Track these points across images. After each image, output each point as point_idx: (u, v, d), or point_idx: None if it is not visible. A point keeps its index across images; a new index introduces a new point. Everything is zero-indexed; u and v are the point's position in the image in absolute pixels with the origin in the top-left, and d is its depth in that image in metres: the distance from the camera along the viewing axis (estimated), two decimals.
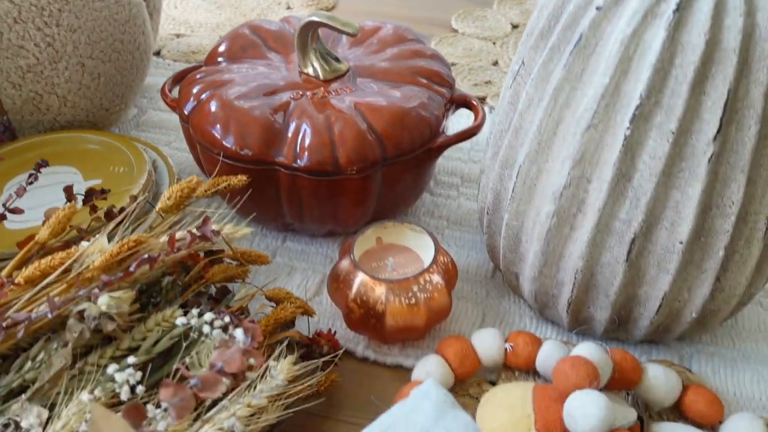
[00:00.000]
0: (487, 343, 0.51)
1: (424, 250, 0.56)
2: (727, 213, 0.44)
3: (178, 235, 0.49)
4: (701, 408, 0.47)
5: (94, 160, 0.68)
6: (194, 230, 0.49)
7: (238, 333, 0.41)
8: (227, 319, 0.43)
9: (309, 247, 0.66)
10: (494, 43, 0.98)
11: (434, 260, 0.54)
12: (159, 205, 0.51)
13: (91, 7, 0.66)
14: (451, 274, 0.55)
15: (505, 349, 0.51)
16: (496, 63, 0.94)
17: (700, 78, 0.42)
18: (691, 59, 0.41)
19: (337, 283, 0.54)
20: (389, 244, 0.58)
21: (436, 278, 0.53)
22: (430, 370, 0.50)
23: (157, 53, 0.97)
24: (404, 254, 0.57)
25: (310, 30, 0.64)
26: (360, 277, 0.53)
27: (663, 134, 0.43)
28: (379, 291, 0.52)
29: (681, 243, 0.45)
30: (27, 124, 0.69)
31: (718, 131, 0.42)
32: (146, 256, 0.47)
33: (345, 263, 0.55)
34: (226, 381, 0.39)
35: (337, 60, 0.66)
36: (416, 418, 0.37)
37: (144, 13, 0.74)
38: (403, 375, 0.54)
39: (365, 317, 0.53)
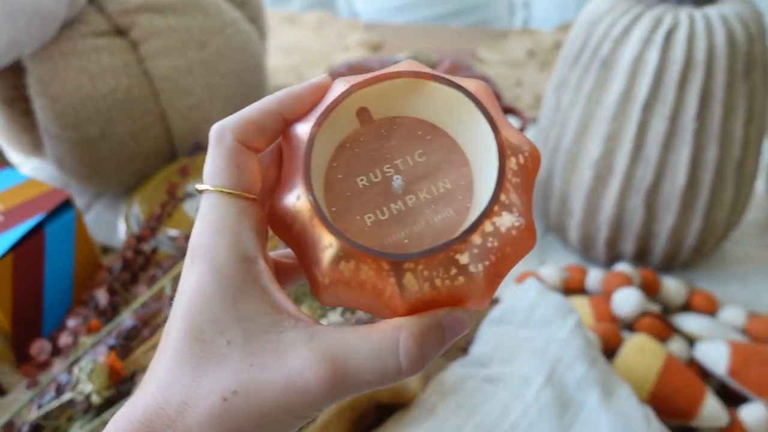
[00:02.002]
0: (548, 275, 0.73)
1: (468, 131, 0.27)
2: (708, 168, 0.67)
3: None
4: (702, 303, 0.69)
5: None
6: None
7: None
8: None
9: None
10: (515, 77, 1.22)
11: (501, 176, 0.25)
12: None
13: (238, 61, 0.90)
14: (531, 174, 0.27)
15: (563, 277, 0.73)
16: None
17: (682, 81, 0.65)
18: (675, 68, 0.65)
19: (286, 229, 0.27)
20: (386, 118, 0.27)
21: (510, 219, 0.25)
22: None
23: None
24: (425, 143, 0.27)
25: None
26: (331, 246, 0.25)
27: (662, 118, 0.66)
28: (384, 275, 0.25)
29: (678, 190, 0.67)
30: (186, 146, 0.92)
31: (697, 114, 0.65)
32: None
33: (290, 197, 0.26)
34: None
35: None
36: (523, 303, 0.60)
37: (264, 62, 0.98)
38: None
39: (361, 303, 0.26)
